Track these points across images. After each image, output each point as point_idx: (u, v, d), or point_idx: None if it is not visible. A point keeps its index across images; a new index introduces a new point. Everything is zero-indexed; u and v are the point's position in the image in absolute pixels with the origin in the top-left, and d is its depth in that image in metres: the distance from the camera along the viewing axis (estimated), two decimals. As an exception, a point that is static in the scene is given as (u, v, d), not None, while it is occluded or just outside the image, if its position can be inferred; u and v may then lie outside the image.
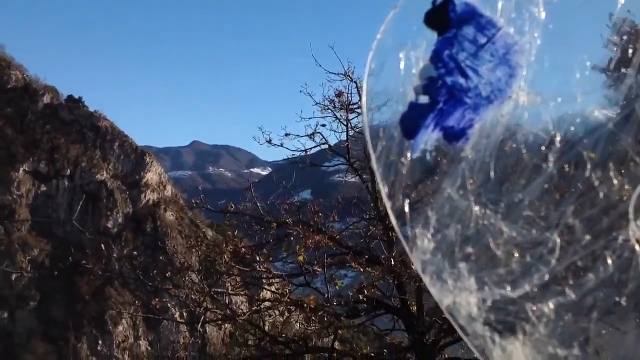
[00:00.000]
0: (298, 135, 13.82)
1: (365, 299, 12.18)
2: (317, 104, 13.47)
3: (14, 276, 60.15)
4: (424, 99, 0.77)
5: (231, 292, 11.98)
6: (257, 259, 11.74)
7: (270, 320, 15.29)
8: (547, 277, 0.76)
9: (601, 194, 0.76)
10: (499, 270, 0.76)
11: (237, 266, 11.22)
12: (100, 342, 59.85)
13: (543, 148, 0.77)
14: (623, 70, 0.83)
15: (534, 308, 0.76)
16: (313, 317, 11.66)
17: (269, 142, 13.86)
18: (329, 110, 13.57)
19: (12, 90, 74.57)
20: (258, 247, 12.39)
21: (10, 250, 61.79)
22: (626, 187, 0.75)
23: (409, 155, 0.78)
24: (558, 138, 0.77)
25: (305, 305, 11.38)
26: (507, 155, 0.79)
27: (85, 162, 72.50)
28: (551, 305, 0.76)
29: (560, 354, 0.75)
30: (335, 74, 13.33)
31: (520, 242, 0.77)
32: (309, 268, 11.74)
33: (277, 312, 15.67)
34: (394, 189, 0.77)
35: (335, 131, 13.71)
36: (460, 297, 0.76)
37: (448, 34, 0.77)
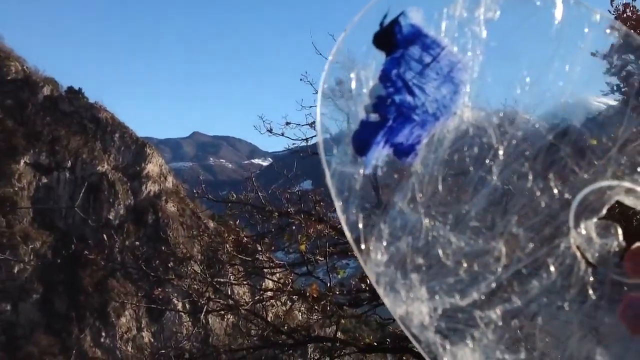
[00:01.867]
0: (299, 124, 13.80)
1: (367, 288, 12.21)
2: (317, 92, 13.46)
3: (16, 268, 60.30)
4: (374, 117, 0.80)
5: (233, 282, 12.01)
6: (259, 248, 11.78)
7: (273, 311, 15.34)
8: (493, 285, 0.79)
9: (543, 204, 0.79)
10: (449, 280, 0.80)
11: (239, 256, 11.25)
12: (103, 333, 60.05)
13: (487, 161, 0.81)
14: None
15: (482, 315, 0.79)
16: (315, 307, 11.70)
17: (270, 131, 13.81)
18: (330, 99, 13.57)
19: (12, 82, 74.48)
20: (260, 236, 12.41)
21: (12, 242, 61.91)
22: (566, 196, 0.79)
23: (361, 171, 0.81)
24: (501, 151, 0.80)
25: (307, 294, 11.42)
26: (454, 169, 0.82)
27: (86, 154, 72.51)
28: (498, 312, 0.79)
29: (508, 359, 0.78)
30: (336, 62, 13.29)
31: (468, 252, 0.80)
32: (311, 257, 11.77)
33: (279, 302, 15.71)
34: (348, 204, 0.81)
35: (336, 120, 13.68)
36: (413, 307, 0.79)
37: (395, 54, 0.80)
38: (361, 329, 19.22)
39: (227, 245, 11.00)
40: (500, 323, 0.78)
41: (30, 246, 63.43)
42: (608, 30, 0.81)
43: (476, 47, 0.80)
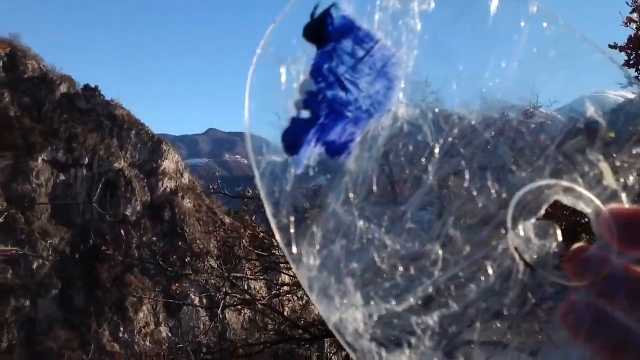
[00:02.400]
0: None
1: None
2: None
3: (35, 264, 60.84)
4: (305, 114, 0.77)
5: (250, 277, 12.04)
6: (275, 243, 11.80)
7: (290, 305, 15.37)
8: (430, 289, 0.76)
9: (480, 204, 0.75)
10: (384, 285, 0.76)
11: (255, 251, 11.27)
12: (121, 328, 60.47)
13: (423, 159, 0.77)
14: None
15: (419, 321, 0.76)
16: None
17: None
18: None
19: (29, 80, 75.09)
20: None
21: (31, 238, 62.46)
22: (503, 195, 0.75)
23: (292, 171, 0.77)
24: (437, 149, 0.77)
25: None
26: (388, 168, 0.79)
27: (102, 151, 73.00)
28: (435, 317, 0.76)
29: (445, 366, 0.75)
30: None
31: (404, 255, 0.76)
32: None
33: (296, 297, 15.76)
34: (279, 206, 0.77)
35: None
36: (347, 314, 0.76)
37: (327, 48, 0.76)
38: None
39: (244, 241, 11.03)
40: (437, 329, 0.75)
41: (49, 242, 63.98)
42: (545, 24, 0.77)
43: (410, 41, 0.76)
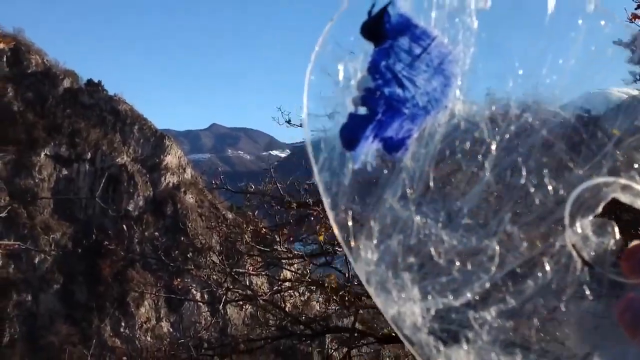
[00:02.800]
0: (318, 115, 13.68)
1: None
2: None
3: (37, 259, 60.88)
4: (362, 110, 0.78)
5: (252, 272, 12.02)
6: (277, 239, 11.78)
7: (291, 301, 15.36)
8: (487, 284, 0.76)
9: (537, 201, 0.76)
10: (442, 279, 0.77)
11: (257, 247, 11.25)
12: (122, 323, 60.57)
13: (480, 156, 0.78)
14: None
15: (476, 316, 0.76)
16: (334, 297, 11.70)
17: (289, 122, 13.74)
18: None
19: (33, 75, 75.13)
20: (278, 227, 12.40)
21: (33, 233, 62.54)
22: (561, 193, 0.76)
23: (350, 166, 0.78)
24: (493, 146, 0.78)
25: (326, 285, 11.41)
26: (445, 164, 0.79)
27: (105, 146, 73.07)
28: (493, 312, 0.76)
29: (503, 361, 0.76)
30: (352, 52, 13.22)
31: (461, 251, 0.77)
32: (329, 248, 11.76)
33: (297, 293, 15.73)
34: (337, 201, 0.78)
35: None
36: (405, 307, 0.77)
37: (384, 45, 0.77)
38: (379, 320, 19.21)
39: (246, 236, 11.00)
40: (495, 324, 0.76)
41: (51, 236, 64.08)
42: (603, 22, 0.77)
43: (467, 38, 0.77)
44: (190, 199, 76.40)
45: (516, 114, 0.77)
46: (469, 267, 0.76)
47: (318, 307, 14.48)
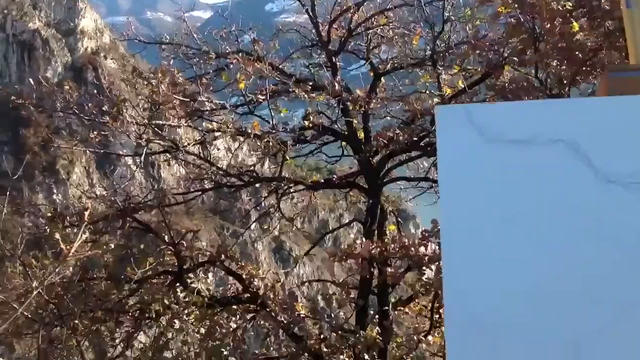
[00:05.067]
0: None
1: (311, 126, 12.12)
2: None
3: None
4: None
5: (172, 124, 11.75)
6: (199, 89, 11.49)
7: (219, 155, 15.24)
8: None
9: None
10: None
11: (175, 96, 10.92)
12: (55, 191, 59.98)
13: None
14: None
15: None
16: (259, 143, 11.62)
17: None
18: None
19: None
20: (197, 77, 12.09)
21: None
22: None
23: None
24: None
25: (250, 131, 11.29)
26: None
27: (15, 11, 69.44)
28: None
29: None
30: None
31: None
32: (251, 97, 11.57)
33: (223, 147, 15.52)
34: None
35: None
36: None
37: None
38: (308, 170, 19.33)
39: (163, 85, 10.64)
40: None
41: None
42: None
43: None
44: (111, 64, 74.13)
45: None
46: None
47: (249, 161, 14.40)
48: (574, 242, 1.37)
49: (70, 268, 9.98)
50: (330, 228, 46.08)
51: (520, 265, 1.40)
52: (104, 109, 10.90)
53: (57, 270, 8.32)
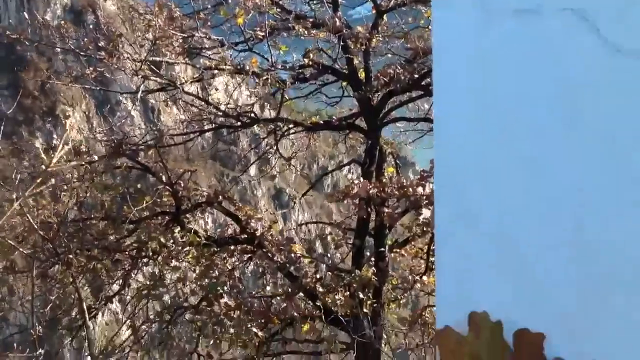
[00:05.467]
0: None
1: (310, 64, 11.93)
2: None
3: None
4: None
5: (170, 60, 11.55)
6: (196, 24, 11.25)
7: (218, 97, 15.04)
8: None
9: None
10: None
11: (172, 32, 10.68)
12: (54, 136, 59.81)
13: None
14: None
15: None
16: (257, 81, 11.44)
17: None
18: None
19: None
20: (195, 12, 11.81)
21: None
22: None
23: None
24: None
25: (247, 68, 11.10)
26: None
27: (13, -47, 68.48)
28: None
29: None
30: None
31: None
32: (250, 33, 11.35)
33: (222, 85, 15.34)
34: None
35: None
36: None
37: None
38: (307, 111, 19.13)
39: (159, 19, 10.39)
40: None
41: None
42: None
43: None
44: (111, 6, 73.25)
45: None
46: None
47: (248, 101, 14.18)
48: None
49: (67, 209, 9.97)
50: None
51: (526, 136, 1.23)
52: (100, 44, 10.67)
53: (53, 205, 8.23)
